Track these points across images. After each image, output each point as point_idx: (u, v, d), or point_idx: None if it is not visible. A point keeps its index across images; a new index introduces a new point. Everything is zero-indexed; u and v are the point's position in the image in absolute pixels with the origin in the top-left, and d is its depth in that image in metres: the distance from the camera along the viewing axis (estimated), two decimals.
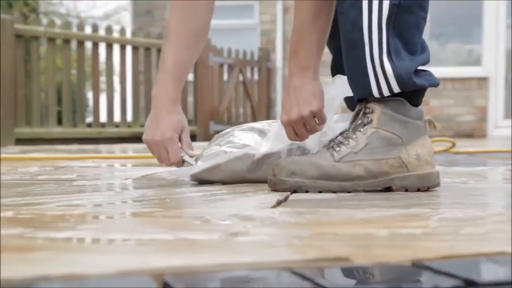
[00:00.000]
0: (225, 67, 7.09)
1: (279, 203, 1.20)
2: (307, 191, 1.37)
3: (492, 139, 6.86)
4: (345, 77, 1.52)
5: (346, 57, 1.45)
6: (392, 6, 1.37)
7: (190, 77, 6.98)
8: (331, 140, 1.46)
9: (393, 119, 1.41)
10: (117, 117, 6.24)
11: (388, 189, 1.41)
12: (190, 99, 6.90)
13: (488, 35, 7.70)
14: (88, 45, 6.05)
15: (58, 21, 5.95)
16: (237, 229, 0.89)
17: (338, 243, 0.79)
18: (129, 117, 6.41)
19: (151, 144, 1.59)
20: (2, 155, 2.97)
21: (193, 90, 6.80)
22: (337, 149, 1.41)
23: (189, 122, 6.75)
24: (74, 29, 5.91)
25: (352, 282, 0.62)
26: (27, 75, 5.71)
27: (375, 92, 1.39)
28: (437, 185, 1.45)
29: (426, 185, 1.43)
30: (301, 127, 1.46)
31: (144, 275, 0.62)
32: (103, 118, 6.16)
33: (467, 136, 7.36)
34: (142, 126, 6.26)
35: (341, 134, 1.46)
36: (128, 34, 6.40)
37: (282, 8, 8.15)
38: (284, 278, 0.61)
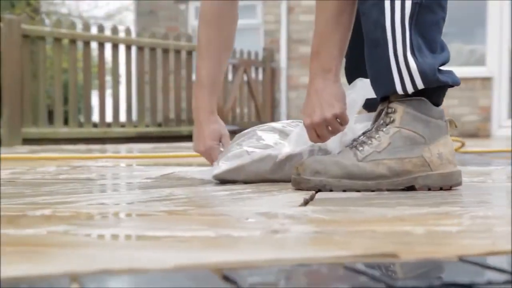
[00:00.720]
0: (230, 67, 7.11)
1: (306, 202, 1.22)
2: (331, 190, 1.40)
3: (496, 139, 6.88)
4: (366, 80, 1.54)
5: (369, 56, 1.47)
6: (414, 5, 1.40)
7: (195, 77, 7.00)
8: (354, 140, 1.48)
9: (416, 119, 1.44)
10: (122, 117, 6.27)
11: (410, 188, 1.43)
12: None
13: (492, 35, 7.72)
14: (94, 45, 6.07)
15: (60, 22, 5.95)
16: (276, 227, 0.91)
17: (378, 240, 0.81)
18: (134, 117, 6.44)
19: (199, 153, 1.78)
20: (16, 155, 3.00)
21: None
22: (360, 148, 1.43)
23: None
24: (80, 30, 5.93)
25: (403, 277, 0.64)
26: (33, 75, 5.73)
27: (399, 89, 1.41)
28: (459, 184, 1.47)
29: (448, 184, 1.45)
30: (323, 130, 1.48)
31: (203, 269, 0.64)
32: (108, 118, 6.18)
33: (471, 136, 7.38)
34: (148, 126, 6.35)
35: (363, 134, 1.48)
36: (133, 35, 6.42)
37: (287, 8, 8.16)
38: (336, 272, 0.63)
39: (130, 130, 6.19)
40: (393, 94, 1.44)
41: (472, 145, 4.45)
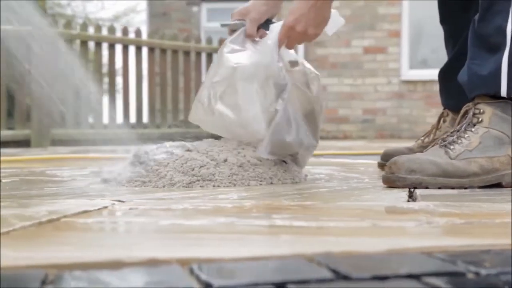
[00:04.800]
0: None
1: (412, 199, 1.31)
2: (427, 187, 1.48)
3: None
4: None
5: (477, 56, 1.54)
6: None
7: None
8: (443, 139, 1.56)
9: (504, 120, 1.52)
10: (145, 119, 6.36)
11: (497, 185, 1.51)
12: None
13: None
14: (118, 47, 6.15)
15: (62, 23, 5.99)
16: (423, 218, 0.99)
17: None
18: (158, 119, 6.53)
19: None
20: (63, 155, 3.08)
21: None
22: (452, 147, 1.52)
23: None
24: (105, 32, 6.02)
25: None
26: None
27: (504, 92, 1.50)
28: None
29: None
30: (296, 40, 1.60)
31: (415, 252, 0.72)
32: (132, 119, 6.27)
33: None
34: (170, 127, 6.43)
35: (451, 133, 1.56)
36: (148, 37, 6.51)
37: None
38: None
39: (154, 131, 6.27)
40: (484, 96, 1.53)
41: None
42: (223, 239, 0.82)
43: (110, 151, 4.03)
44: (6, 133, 5.24)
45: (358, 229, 0.90)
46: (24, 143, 5.23)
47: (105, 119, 6.25)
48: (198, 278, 0.61)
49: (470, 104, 1.57)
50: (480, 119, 1.53)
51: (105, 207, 1.13)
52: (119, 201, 1.23)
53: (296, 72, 1.67)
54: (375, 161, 2.31)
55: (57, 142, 5.43)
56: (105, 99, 6.27)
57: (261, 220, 0.99)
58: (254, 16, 1.66)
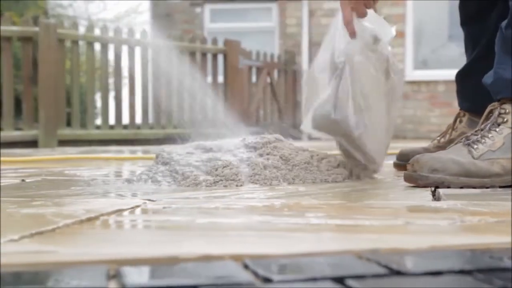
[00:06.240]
0: (254, 70, 7.22)
1: (436, 198, 1.33)
2: (449, 187, 1.49)
3: None
4: None
5: (504, 60, 1.56)
6: None
7: (220, 79, 7.12)
8: (466, 138, 1.57)
9: None
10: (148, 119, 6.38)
11: None
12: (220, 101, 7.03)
13: None
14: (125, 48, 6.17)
15: (66, 24, 5.98)
16: (455, 217, 1.00)
17: None
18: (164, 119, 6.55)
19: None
20: (84, 155, 3.09)
21: (223, 92, 6.93)
22: (475, 147, 1.53)
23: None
24: (111, 33, 6.04)
25: None
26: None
27: None
28: None
29: None
30: (361, 6, 1.61)
31: (452, 250, 0.74)
32: (138, 120, 6.29)
33: None
34: (175, 128, 6.45)
35: (475, 132, 1.58)
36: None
37: (308, 11, 8.28)
38: None
39: (159, 132, 6.29)
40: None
41: None
42: (265, 237, 0.84)
43: (117, 151, 4.05)
44: (14, 134, 5.26)
45: (394, 227, 0.91)
46: (31, 143, 5.24)
47: (111, 120, 6.28)
48: (255, 273, 0.63)
49: (495, 104, 1.58)
50: (505, 119, 1.55)
51: (138, 206, 1.15)
52: (150, 200, 1.25)
53: (377, 54, 1.68)
54: (388, 161, 2.33)
55: (63, 142, 5.44)
56: (111, 100, 6.27)
57: (296, 218, 1.00)
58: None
